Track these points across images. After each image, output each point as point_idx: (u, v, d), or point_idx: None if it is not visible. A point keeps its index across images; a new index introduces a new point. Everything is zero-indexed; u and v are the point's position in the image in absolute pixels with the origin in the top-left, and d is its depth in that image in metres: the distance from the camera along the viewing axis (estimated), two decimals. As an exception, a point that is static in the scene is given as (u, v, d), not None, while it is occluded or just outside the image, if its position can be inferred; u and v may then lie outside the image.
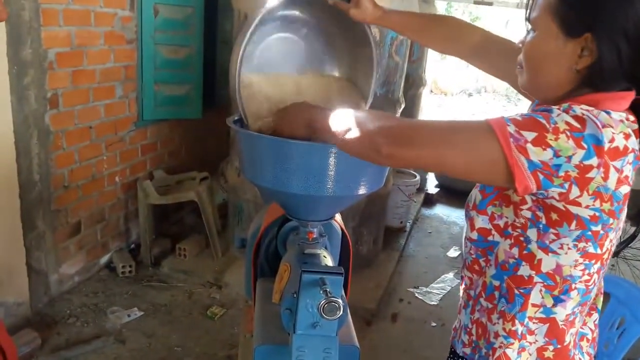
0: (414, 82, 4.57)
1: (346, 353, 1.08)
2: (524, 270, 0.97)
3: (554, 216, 0.90)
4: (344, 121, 0.95)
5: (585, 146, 0.81)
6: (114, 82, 3.04)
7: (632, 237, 3.42)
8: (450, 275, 3.61)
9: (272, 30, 1.26)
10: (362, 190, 1.13)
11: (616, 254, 3.40)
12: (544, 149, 0.81)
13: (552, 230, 0.91)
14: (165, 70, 3.36)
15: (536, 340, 1.02)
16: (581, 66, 0.88)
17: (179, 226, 3.74)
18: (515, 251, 0.98)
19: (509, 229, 0.98)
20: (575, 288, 0.97)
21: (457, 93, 13.15)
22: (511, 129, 0.82)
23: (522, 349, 1.02)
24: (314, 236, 1.18)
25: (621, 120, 0.85)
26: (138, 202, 3.28)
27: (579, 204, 0.86)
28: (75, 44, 2.70)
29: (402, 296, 3.28)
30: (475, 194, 1.04)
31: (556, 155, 0.81)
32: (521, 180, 0.83)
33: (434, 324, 3.00)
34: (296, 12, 1.27)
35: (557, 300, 0.98)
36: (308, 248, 1.14)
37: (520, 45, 0.97)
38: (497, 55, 1.18)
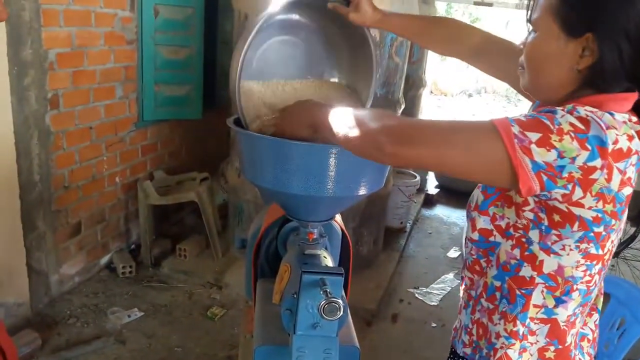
0: (414, 83, 4.57)
1: (346, 353, 1.08)
2: (526, 271, 0.97)
3: (557, 217, 0.90)
4: (347, 119, 0.95)
5: (590, 147, 0.81)
6: (114, 83, 3.05)
7: (632, 238, 3.42)
8: (451, 275, 3.61)
9: (272, 34, 1.26)
10: (362, 191, 1.13)
11: (616, 254, 3.41)
12: (548, 150, 0.81)
13: (554, 231, 0.91)
14: (165, 71, 3.36)
15: (537, 341, 1.02)
16: (582, 66, 0.88)
17: (179, 227, 3.74)
18: (516, 252, 0.98)
19: (511, 230, 0.98)
20: (577, 289, 0.97)
21: (457, 94, 13.16)
22: (515, 129, 0.82)
23: (523, 349, 1.02)
24: (314, 237, 1.18)
25: (624, 122, 0.86)
26: (138, 202, 3.28)
27: (581, 206, 0.86)
28: (76, 45, 2.70)
29: (402, 297, 3.28)
30: (477, 195, 1.04)
31: (560, 156, 0.81)
32: (525, 181, 0.82)
33: (434, 325, 3.00)
34: (296, 16, 1.27)
35: (559, 301, 0.98)
36: (308, 249, 1.14)
37: (522, 46, 0.97)
38: (497, 55, 1.18)
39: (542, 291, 0.97)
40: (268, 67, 1.27)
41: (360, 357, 1.12)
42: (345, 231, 1.37)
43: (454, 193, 5.09)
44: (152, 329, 2.68)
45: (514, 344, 1.01)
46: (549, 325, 1.00)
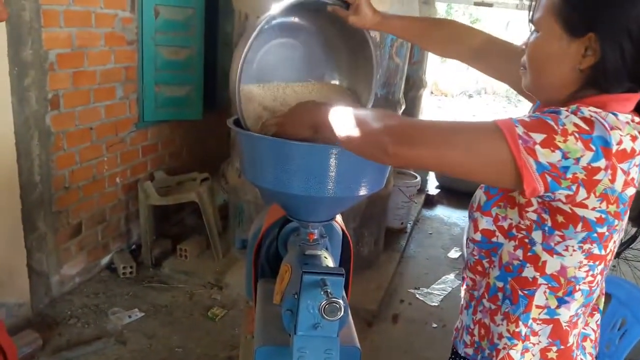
0: (414, 84, 4.58)
1: (347, 354, 1.08)
2: (529, 271, 0.97)
3: (560, 218, 0.89)
4: (349, 120, 0.95)
5: (594, 148, 0.81)
6: (115, 83, 3.05)
7: (633, 239, 3.42)
8: (451, 276, 3.60)
9: (272, 36, 1.26)
10: (362, 192, 1.13)
11: (617, 255, 3.40)
12: (553, 151, 0.80)
13: (557, 232, 0.91)
14: (165, 72, 3.36)
15: (540, 342, 1.01)
16: (585, 66, 0.88)
17: (180, 227, 3.74)
18: (519, 253, 0.97)
19: (514, 231, 0.98)
20: (579, 289, 0.97)
21: (458, 94, 13.16)
22: (520, 130, 0.82)
23: (525, 350, 1.02)
24: (315, 237, 1.18)
25: (627, 122, 0.85)
26: (139, 203, 3.28)
27: (585, 206, 0.86)
28: (76, 45, 2.71)
29: (403, 297, 3.27)
30: (479, 195, 1.04)
31: (564, 157, 0.80)
32: (529, 182, 0.82)
33: (434, 325, 3.00)
34: (296, 19, 1.27)
35: (561, 302, 0.98)
36: (309, 249, 1.14)
37: (524, 47, 0.97)
38: (497, 57, 1.18)
39: (545, 292, 0.97)
40: (268, 70, 1.28)
41: (361, 357, 1.12)
42: (346, 232, 1.37)
43: (455, 193, 5.09)
44: (153, 330, 2.68)
45: (516, 345, 1.01)
46: (551, 325, 1.00)
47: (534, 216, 0.94)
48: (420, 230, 4.44)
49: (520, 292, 0.99)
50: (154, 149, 3.52)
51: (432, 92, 11.81)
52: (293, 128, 1.07)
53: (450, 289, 3.42)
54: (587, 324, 1.07)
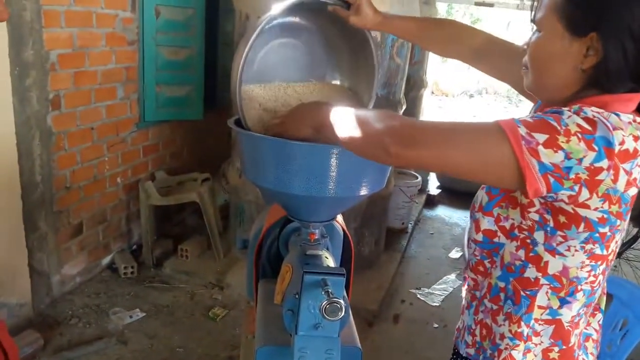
0: (415, 84, 4.57)
1: (348, 354, 1.08)
2: (531, 272, 0.97)
3: (562, 219, 0.89)
4: (351, 120, 0.94)
5: (596, 148, 0.80)
6: (116, 84, 3.05)
7: (635, 239, 3.41)
8: (452, 276, 3.60)
9: (273, 36, 1.26)
10: (363, 191, 1.13)
11: (619, 255, 3.40)
12: (556, 151, 0.80)
13: (559, 232, 0.91)
14: (166, 72, 3.36)
15: (542, 342, 1.01)
16: (587, 66, 0.88)
17: (181, 227, 3.75)
18: (521, 253, 0.97)
19: (515, 231, 0.98)
20: (581, 289, 0.97)
21: (458, 94, 13.16)
22: (522, 131, 0.82)
23: (527, 350, 1.02)
24: (316, 237, 1.17)
25: (630, 122, 0.85)
26: (140, 203, 3.29)
27: (587, 207, 0.86)
28: (77, 45, 2.71)
29: (404, 297, 3.27)
30: (481, 196, 1.04)
31: (567, 157, 0.80)
32: (532, 183, 0.82)
33: (435, 325, 3.00)
34: (297, 19, 1.27)
35: (563, 302, 0.98)
36: (310, 249, 1.14)
37: (525, 46, 0.97)
38: (498, 57, 1.18)
39: (547, 292, 0.97)
40: (269, 70, 1.27)
41: (362, 357, 1.12)
42: (347, 232, 1.37)
43: (456, 193, 5.08)
44: (154, 330, 2.68)
45: (518, 345, 1.01)
46: (553, 326, 1.00)
47: (536, 216, 0.93)
48: (421, 230, 4.44)
49: (522, 293, 0.99)
50: (155, 149, 3.52)
51: (432, 92, 11.81)
52: (294, 128, 1.07)
53: (452, 289, 3.42)
54: (589, 324, 1.07)
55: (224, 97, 3.95)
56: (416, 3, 3.14)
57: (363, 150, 0.94)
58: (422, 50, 4.55)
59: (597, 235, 0.90)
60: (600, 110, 0.85)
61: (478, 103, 12.74)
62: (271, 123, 1.15)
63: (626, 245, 3.38)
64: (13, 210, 2.48)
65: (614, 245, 0.94)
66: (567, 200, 0.86)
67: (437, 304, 3.23)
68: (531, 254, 0.96)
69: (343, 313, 0.95)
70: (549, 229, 0.92)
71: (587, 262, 0.93)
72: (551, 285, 0.96)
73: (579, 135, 0.81)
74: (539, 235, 0.94)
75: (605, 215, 0.87)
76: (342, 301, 0.95)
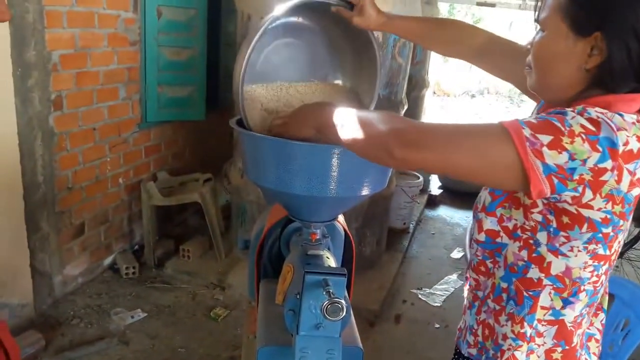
0: (416, 84, 4.57)
1: (349, 354, 1.08)
2: (533, 272, 0.97)
3: (565, 219, 0.89)
4: (354, 121, 0.94)
5: (600, 149, 0.80)
6: (118, 84, 3.05)
7: (637, 239, 3.41)
8: (454, 276, 3.60)
9: (276, 36, 1.26)
10: (365, 192, 1.13)
11: (620, 255, 3.39)
12: (560, 153, 0.80)
13: (562, 233, 0.91)
14: (168, 72, 3.36)
15: (544, 342, 1.01)
16: (591, 65, 0.87)
17: (183, 227, 3.75)
18: (524, 254, 0.97)
19: (518, 232, 0.98)
20: (584, 290, 0.97)
21: (460, 94, 13.14)
22: (527, 132, 0.81)
23: (530, 351, 1.01)
24: (317, 237, 1.17)
25: (633, 123, 0.85)
26: (142, 203, 3.29)
27: (591, 207, 0.86)
28: (79, 46, 2.71)
29: (405, 297, 3.27)
30: (484, 196, 1.04)
31: (571, 158, 0.80)
32: (536, 184, 0.82)
33: (437, 326, 3.00)
34: (300, 19, 1.27)
35: (566, 303, 0.98)
36: (311, 249, 1.14)
37: (529, 46, 0.97)
38: (501, 56, 1.18)
39: (550, 293, 0.97)
40: (272, 70, 1.27)
41: (363, 357, 1.12)
42: (348, 232, 1.37)
43: (457, 194, 5.08)
44: (156, 330, 2.68)
45: (521, 346, 1.01)
46: (556, 326, 1.00)
47: (539, 217, 0.93)
48: (423, 230, 4.43)
49: (525, 293, 0.99)
50: (157, 150, 3.52)
51: (434, 92, 11.81)
52: (296, 129, 1.07)
53: (453, 289, 3.42)
54: (591, 324, 1.07)
55: (226, 98, 3.96)
56: (418, 3, 3.14)
57: (366, 152, 0.94)
58: (424, 50, 4.55)
59: (600, 235, 0.90)
60: (604, 111, 0.85)
61: (480, 103, 12.73)
62: (273, 123, 1.15)
63: (628, 245, 3.37)
64: (15, 210, 2.49)
65: (617, 246, 0.94)
66: (570, 201, 0.85)
67: (439, 304, 3.23)
68: (534, 255, 0.96)
69: (344, 313, 0.95)
70: (552, 229, 0.92)
71: (590, 262, 0.93)
72: (554, 286, 0.96)
73: (583, 136, 0.80)
74: (541, 236, 0.94)
75: (608, 216, 0.87)
76: (343, 301, 0.95)
